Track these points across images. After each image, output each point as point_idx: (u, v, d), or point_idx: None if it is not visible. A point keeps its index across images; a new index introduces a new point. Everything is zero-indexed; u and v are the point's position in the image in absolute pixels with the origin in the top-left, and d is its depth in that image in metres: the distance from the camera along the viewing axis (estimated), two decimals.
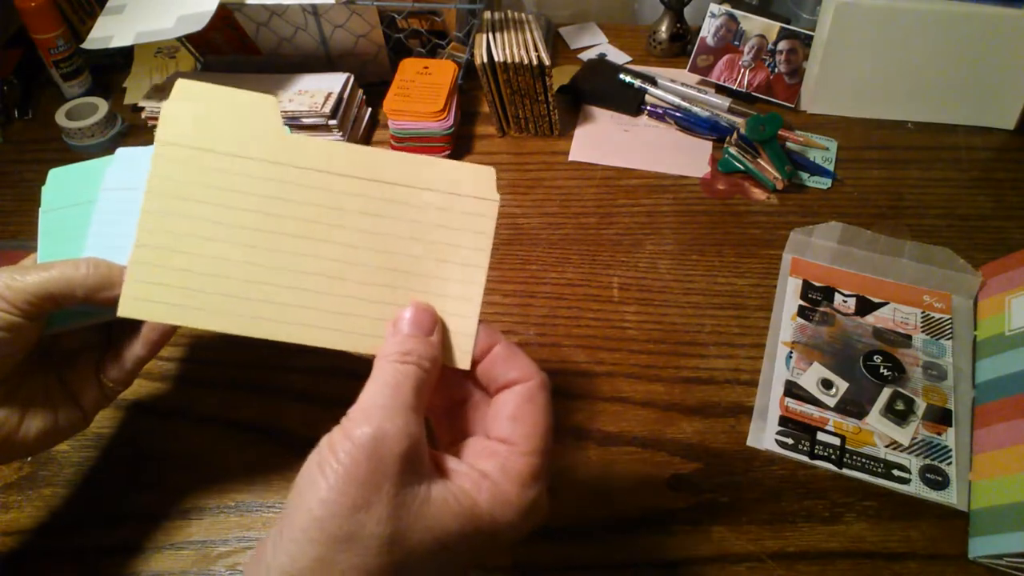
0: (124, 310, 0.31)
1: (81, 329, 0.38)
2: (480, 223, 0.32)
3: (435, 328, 0.31)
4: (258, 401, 0.51)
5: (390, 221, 0.32)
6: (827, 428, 0.49)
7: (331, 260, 0.31)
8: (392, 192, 0.32)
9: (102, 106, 0.73)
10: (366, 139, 0.73)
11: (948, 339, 0.54)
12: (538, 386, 0.31)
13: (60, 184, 0.42)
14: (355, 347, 0.31)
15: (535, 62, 0.65)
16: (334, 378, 0.51)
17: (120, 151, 0.42)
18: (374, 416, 0.27)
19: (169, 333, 0.39)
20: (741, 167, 0.68)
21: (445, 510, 0.26)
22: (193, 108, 0.32)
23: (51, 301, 0.34)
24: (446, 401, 0.34)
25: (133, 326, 0.38)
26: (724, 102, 0.74)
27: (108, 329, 0.39)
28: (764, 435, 0.48)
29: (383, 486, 0.25)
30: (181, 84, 0.32)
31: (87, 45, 0.65)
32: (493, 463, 0.29)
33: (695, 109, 0.73)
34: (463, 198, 0.32)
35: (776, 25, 0.75)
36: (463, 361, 0.32)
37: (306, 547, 0.24)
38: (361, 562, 0.24)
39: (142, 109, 0.68)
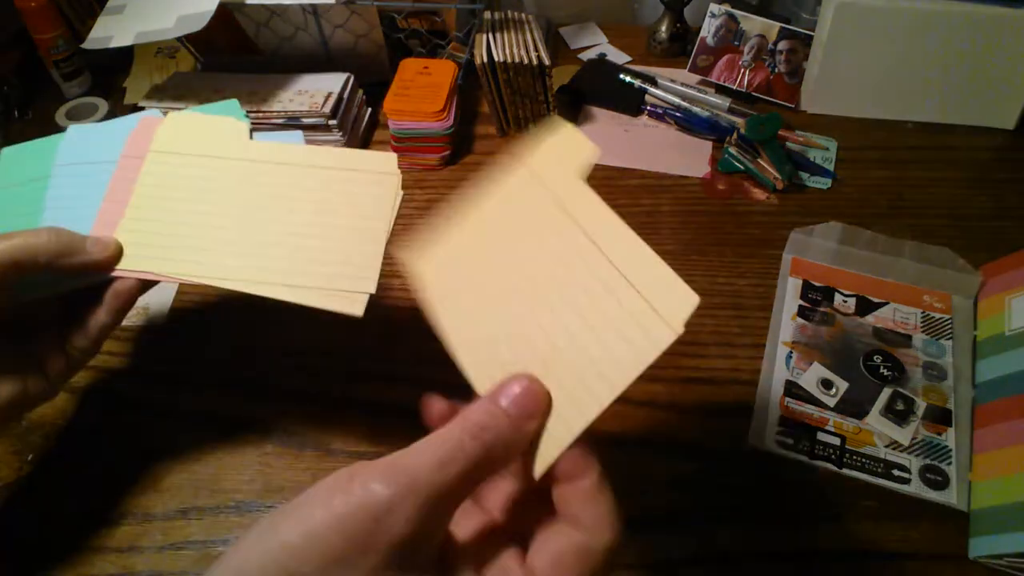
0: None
1: (45, 300, 0.39)
2: (647, 346, 0.27)
3: (536, 414, 0.27)
4: (258, 401, 0.51)
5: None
6: (827, 428, 0.49)
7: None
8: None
9: (102, 106, 0.73)
10: (366, 139, 0.73)
11: (948, 339, 0.54)
12: (603, 547, 0.26)
13: (14, 162, 0.43)
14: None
15: (535, 62, 0.65)
16: (335, 380, 0.51)
17: (71, 128, 0.44)
18: (401, 482, 0.24)
19: (132, 299, 0.40)
20: (741, 167, 0.68)
21: None
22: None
23: (14, 268, 0.35)
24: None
25: (96, 295, 0.39)
26: (724, 102, 0.74)
27: (71, 300, 0.40)
28: (764, 435, 0.48)
29: (369, 556, 0.23)
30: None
31: (87, 45, 0.65)
32: (566, 542, 0.26)
33: (695, 109, 0.73)
34: (652, 312, 0.28)
35: (776, 25, 0.75)
36: (538, 469, 0.27)
37: (276, 572, 0.23)
38: None
39: (142, 109, 0.67)
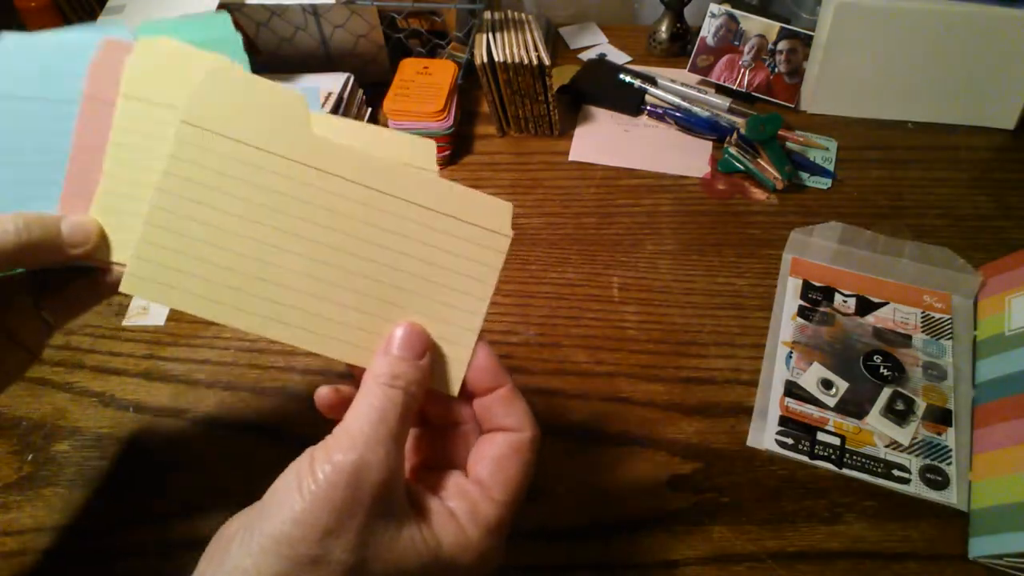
0: (127, 287, 0.31)
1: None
2: (489, 256, 0.32)
3: (426, 352, 0.31)
4: (258, 401, 0.51)
5: (401, 239, 0.32)
6: (827, 428, 0.49)
7: (336, 268, 0.31)
8: (408, 210, 0.32)
9: None
10: None
11: (948, 339, 0.54)
12: (529, 440, 0.31)
13: None
14: (345, 357, 0.32)
15: (535, 62, 0.65)
16: (334, 379, 0.51)
17: (6, 37, 0.33)
18: (358, 443, 0.27)
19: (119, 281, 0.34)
20: (741, 167, 0.68)
21: (410, 548, 0.27)
22: (224, 93, 0.31)
23: None
24: (439, 418, 0.34)
25: (77, 270, 0.33)
26: (724, 102, 0.74)
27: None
28: (764, 435, 0.49)
29: (356, 515, 0.26)
30: (215, 69, 0.31)
31: None
32: (463, 504, 0.30)
33: (695, 109, 0.73)
34: (476, 228, 0.32)
35: (776, 25, 0.75)
36: (451, 388, 0.32)
37: (273, 561, 0.25)
38: None
39: None
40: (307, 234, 0.31)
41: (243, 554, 0.25)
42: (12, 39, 0.33)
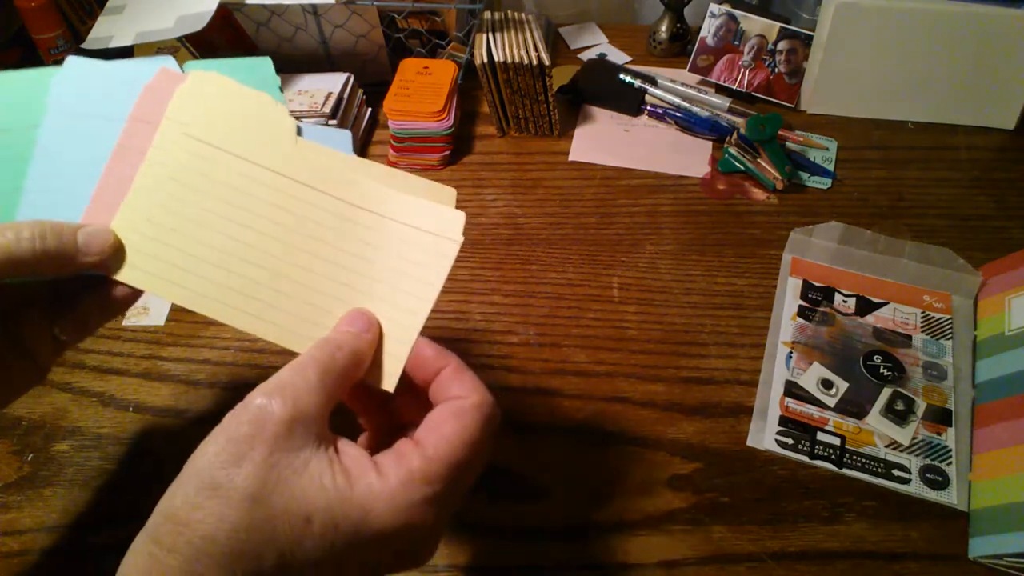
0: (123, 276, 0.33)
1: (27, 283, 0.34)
2: (438, 261, 0.33)
3: (370, 328, 0.32)
4: None
5: (357, 243, 0.34)
6: (827, 428, 0.49)
7: (296, 266, 0.33)
8: (370, 219, 0.34)
9: None
10: (366, 139, 0.73)
11: (948, 339, 0.54)
12: (472, 405, 0.30)
13: None
14: (301, 349, 0.33)
15: (535, 62, 0.65)
16: None
17: (71, 61, 0.35)
18: (270, 388, 0.29)
19: (131, 301, 0.36)
20: (741, 167, 0.68)
21: (315, 484, 0.27)
22: (208, 99, 0.34)
23: None
24: (391, 423, 0.35)
25: (88, 285, 0.35)
26: (724, 102, 0.74)
27: (59, 282, 0.35)
28: (764, 435, 0.49)
29: (256, 447, 0.27)
30: (201, 81, 0.34)
31: (87, 45, 0.65)
32: (389, 455, 0.29)
33: (695, 109, 0.73)
34: (430, 236, 0.33)
35: (776, 25, 0.75)
36: (388, 383, 0.33)
37: (181, 488, 0.27)
38: (222, 511, 0.26)
39: None
40: (272, 234, 0.34)
41: (172, 487, 0.28)
42: (79, 63, 0.35)
